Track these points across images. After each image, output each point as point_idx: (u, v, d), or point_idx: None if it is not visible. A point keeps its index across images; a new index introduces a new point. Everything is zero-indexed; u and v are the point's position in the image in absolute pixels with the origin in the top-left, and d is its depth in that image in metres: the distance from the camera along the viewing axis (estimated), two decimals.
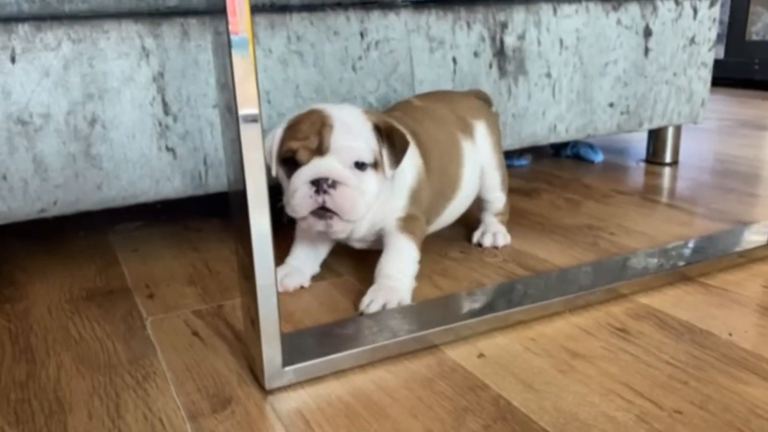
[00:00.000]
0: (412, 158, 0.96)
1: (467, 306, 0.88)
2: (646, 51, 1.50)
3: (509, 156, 1.74)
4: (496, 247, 1.14)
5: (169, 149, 1.07)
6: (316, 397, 0.70)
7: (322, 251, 1.05)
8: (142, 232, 1.29)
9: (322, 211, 0.85)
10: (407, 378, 0.73)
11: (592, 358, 0.76)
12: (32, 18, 0.95)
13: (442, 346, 0.80)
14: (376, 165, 0.88)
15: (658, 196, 1.45)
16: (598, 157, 1.81)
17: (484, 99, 1.22)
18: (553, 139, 1.45)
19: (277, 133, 0.90)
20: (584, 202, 1.41)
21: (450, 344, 0.80)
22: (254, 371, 0.74)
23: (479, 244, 1.15)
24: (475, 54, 1.30)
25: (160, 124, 1.06)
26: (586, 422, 0.64)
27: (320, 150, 0.85)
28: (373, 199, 0.89)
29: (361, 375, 0.74)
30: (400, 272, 0.93)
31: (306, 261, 1.03)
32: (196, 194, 1.11)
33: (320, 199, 0.84)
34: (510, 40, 1.33)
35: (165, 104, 1.06)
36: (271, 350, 0.70)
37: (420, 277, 1.00)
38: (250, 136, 0.65)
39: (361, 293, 0.93)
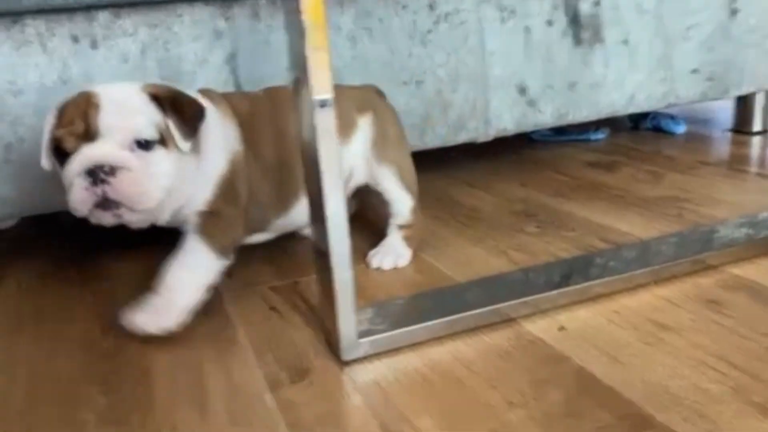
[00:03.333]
0: (225, 141, 0.84)
1: (545, 279, 0.85)
2: (733, 12, 1.41)
3: (585, 129, 1.68)
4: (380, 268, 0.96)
5: None
6: (392, 369, 0.69)
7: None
8: None
9: (107, 203, 0.73)
10: (485, 350, 0.72)
11: (681, 330, 0.73)
12: (111, 5, 0.98)
13: (520, 320, 0.77)
14: (164, 141, 0.75)
15: (747, 167, 1.36)
16: (680, 129, 1.72)
17: (376, 92, 1.05)
18: (632, 109, 1.39)
19: (47, 120, 0.77)
20: (667, 174, 1.34)
21: (528, 317, 0.78)
22: (330, 343, 0.74)
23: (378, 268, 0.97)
24: (549, 22, 1.26)
25: None
26: (676, 395, 0.61)
27: (88, 134, 0.73)
28: (170, 180, 0.76)
29: (438, 347, 0.73)
30: (182, 283, 0.80)
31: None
32: None
33: (99, 190, 0.72)
34: (585, 7, 1.28)
35: (238, 86, 1.07)
36: (347, 323, 0.70)
37: (495, 252, 0.98)
38: (323, 119, 0.65)
39: (431, 267, 0.92)
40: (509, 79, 1.27)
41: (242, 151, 0.85)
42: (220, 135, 0.83)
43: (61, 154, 0.75)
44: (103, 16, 0.98)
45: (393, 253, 0.97)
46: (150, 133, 0.74)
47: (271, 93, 0.94)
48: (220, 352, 0.75)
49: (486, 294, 0.81)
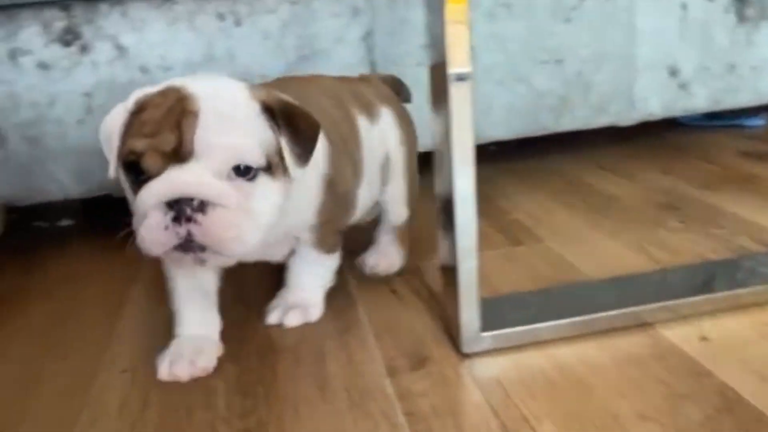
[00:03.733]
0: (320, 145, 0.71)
1: (688, 282, 0.79)
2: None
3: (739, 114, 1.53)
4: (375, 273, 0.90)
5: None
6: (515, 367, 0.67)
7: (211, 286, 0.76)
8: None
9: (190, 245, 0.59)
10: (616, 356, 0.67)
11: None
12: None
13: (657, 325, 0.72)
14: (270, 168, 0.62)
15: None
16: None
17: (397, 87, 0.96)
18: None
19: (116, 119, 0.63)
20: None
21: (666, 323, 0.72)
22: (451, 333, 0.72)
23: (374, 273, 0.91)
24: None
25: None
26: None
27: (179, 153, 0.58)
28: (272, 218, 0.63)
29: (564, 348, 0.69)
30: (311, 285, 0.80)
31: (201, 319, 0.74)
32: None
33: (182, 231, 0.57)
34: None
35: (372, 63, 1.07)
36: (469, 314, 0.68)
37: (633, 247, 0.92)
38: (459, 94, 0.63)
39: (561, 260, 0.88)
40: (660, 60, 1.18)
41: (328, 144, 0.73)
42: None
43: (135, 170, 0.60)
44: None
45: (387, 259, 0.91)
46: (256, 158, 0.60)
47: (316, 78, 0.87)
48: (341, 332, 0.76)
49: (621, 295, 0.76)
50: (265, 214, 0.62)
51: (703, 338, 0.69)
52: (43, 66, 0.97)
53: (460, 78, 0.63)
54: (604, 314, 0.72)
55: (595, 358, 0.67)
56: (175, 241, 0.58)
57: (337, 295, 0.85)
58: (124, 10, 0.98)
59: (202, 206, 0.57)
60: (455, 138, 0.64)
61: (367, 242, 0.94)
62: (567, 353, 0.68)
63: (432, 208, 0.74)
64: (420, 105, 1.09)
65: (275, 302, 0.80)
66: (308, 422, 0.60)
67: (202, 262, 0.61)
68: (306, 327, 0.78)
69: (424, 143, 0.88)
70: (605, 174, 1.27)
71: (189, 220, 0.57)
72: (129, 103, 0.62)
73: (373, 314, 0.80)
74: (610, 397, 0.61)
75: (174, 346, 0.71)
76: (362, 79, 0.92)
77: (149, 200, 0.57)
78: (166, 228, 0.57)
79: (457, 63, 0.62)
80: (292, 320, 0.77)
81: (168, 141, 0.58)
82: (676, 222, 1.01)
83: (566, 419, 0.58)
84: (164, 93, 0.61)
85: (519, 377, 0.65)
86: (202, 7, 0.99)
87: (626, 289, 0.78)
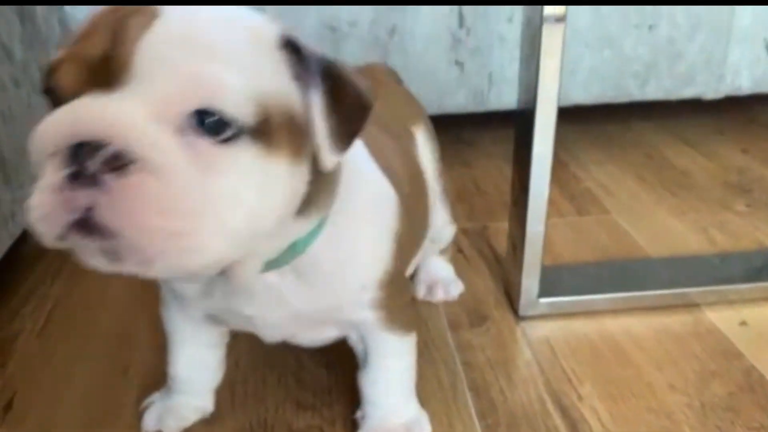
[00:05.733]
0: (387, 185, 0.58)
1: (741, 269, 0.92)
2: None
3: None
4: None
5: (458, 63, 1.22)
6: (565, 331, 0.83)
7: (209, 339, 0.68)
8: None
9: (91, 223, 0.37)
10: (659, 331, 0.82)
11: None
12: None
13: (702, 306, 0.86)
14: (266, 133, 0.41)
15: None
16: None
17: (395, 78, 0.88)
18: None
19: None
20: None
21: (712, 305, 0.87)
22: (510, 296, 0.89)
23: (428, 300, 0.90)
24: None
25: (453, 37, 1.20)
26: None
27: (107, 70, 0.38)
28: (257, 220, 0.42)
29: (613, 319, 0.85)
30: (400, 396, 0.66)
31: (197, 364, 0.68)
32: (476, 111, 1.25)
33: (80, 198, 0.37)
34: None
35: (461, 16, 1.19)
36: (530, 280, 0.84)
37: (696, 228, 1.05)
38: (551, 37, 0.71)
39: (625, 235, 1.01)
40: (758, 32, 1.26)
41: (395, 197, 0.59)
42: (382, 176, 0.58)
43: (53, 99, 0.40)
44: None
45: (443, 282, 0.90)
46: (238, 106, 0.39)
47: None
48: None
49: (676, 275, 0.90)
50: (241, 209, 0.41)
51: (743, 323, 0.83)
52: None
53: (556, 19, 0.70)
54: (655, 292, 0.86)
55: (639, 332, 0.82)
56: (66, 216, 0.37)
57: None
58: None
59: (118, 161, 0.36)
60: (542, 83, 0.73)
61: None
62: (614, 324, 0.84)
63: (508, 169, 0.85)
64: (504, 62, 1.22)
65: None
66: None
67: (115, 261, 0.39)
68: None
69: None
70: (683, 148, 1.38)
71: (93, 181, 0.36)
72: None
73: None
74: (646, 367, 0.77)
75: (157, 396, 0.72)
76: (391, 86, 0.82)
77: (40, 144, 0.38)
78: (58, 191, 0.37)
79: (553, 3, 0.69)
80: None
81: (93, 46, 0.39)
82: (743, 206, 1.13)
83: (605, 383, 0.74)
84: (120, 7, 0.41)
85: (567, 342, 0.81)
86: None
87: (680, 270, 0.92)
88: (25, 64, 0.98)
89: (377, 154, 0.59)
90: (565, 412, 0.71)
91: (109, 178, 0.36)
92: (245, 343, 0.79)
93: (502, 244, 1.01)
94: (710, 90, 1.30)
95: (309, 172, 0.45)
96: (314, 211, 0.49)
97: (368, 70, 0.83)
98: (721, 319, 0.84)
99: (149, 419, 0.70)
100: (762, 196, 1.16)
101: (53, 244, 0.39)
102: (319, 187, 0.48)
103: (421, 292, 0.90)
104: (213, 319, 0.61)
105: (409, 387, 0.67)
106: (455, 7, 1.18)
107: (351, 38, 1.18)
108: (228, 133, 0.39)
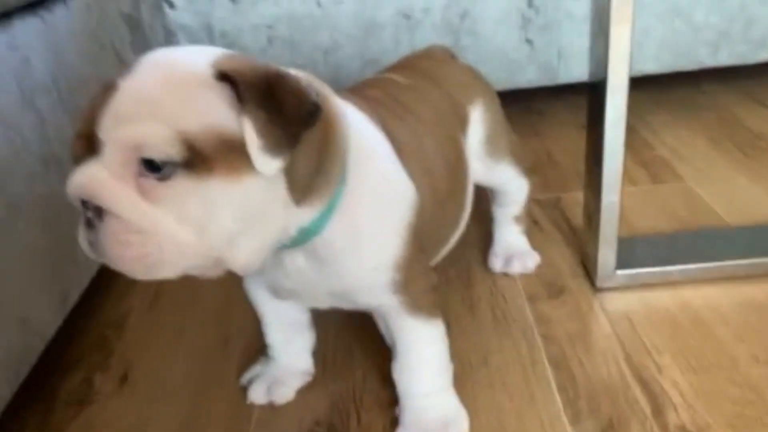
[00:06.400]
0: (403, 179, 0.58)
1: None
2: None
3: None
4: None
5: (527, 41, 1.14)
6: (643, 304, 0.76)
7: (300, 314, 0.69)
8: None
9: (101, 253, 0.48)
10: (740, 301, 0.74)
11: None
12: None
13: None
14: (203, 162, 0.45)
15: None
16: None
17: (451, 56, 0.82)
18: None
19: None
20: None
21: None
22: (587, 267, 0.82)
23: (504, 273, 0.84)
24: None
25: (523, 17, 1.12)
26: None
27: (92, 143, 0.46)
28: (209, 236, 0.47)
29: (692, 290, 0.77)
30: (433, 385, 0.62)
31: (289, 328, 0.69)
32: (547, 85, 1.17)
33: (90, 236, 0.47)
34: None
35: None
36: (606, 252, 0.77)
37: None
38: (620, 6, 0.65)
39: (701, 202, 0.93)
40: None
41: (415, 192, 0.59)
42: (398, 168, 0.58)
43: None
44: None
45: (519, 254, 0.84)
46: (164, 149, 0.44)
47: (417, 85, 0.71)
48: (486, 259, 0.87)
49: (755, 244, 0.81)
50: (187, 227, 0.46)
51: None
52: (233, 0, 1.11)
53: None
54: (734, 262, 0.78)
55: (719, 302, 0.75)
56: (86, 247, 0.48)
57: (479, 223, 0.95)
58: None
59: (99, 212, 0.46)
60: (613, 47, 0.67)
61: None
62: (693, 295, 0.76)
63: (580, 137, 0.79)
64: (573, 37, 1.13)
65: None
66: (459, 337, 0.73)
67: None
68: (453, 251, 0.75)
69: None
70: (758, 109, 1.25)
71: (90, 224, 0.47)
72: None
73: None
74: (728, 339, 0.69)
75: (259, 368, 0.71)
76: (448, 64, 0.79)
77: (68, 197, 0.48)
78: (83, 228, 0.48)
79: None
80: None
81: (85, 124, 0.47)
82: None
83: (685, 355, 0.67)
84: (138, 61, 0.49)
85: (646, 314, 0.74)
86: None
87: (760, 239, 0.82)
88: None
89: (409, 150, 0.60)
90: (645, 385, 0.64)
91: (97, 223, 0.46)
92: (331, 317, 0.76)
93: (577, 215, 0.94)
94: None
95: (294, 170, 0.49)
96: (316, 199, 0.52)
97: (429, 52, 0.80)
98: None
99: (258, 391, 0.69)
100: None
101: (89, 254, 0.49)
102: (317, 179, 0.51)
103: (497, 265, 0.85)
104: (273, 290, 0.62)
105: (442, 377, 0.62)
106: None
107: (424, 24, 1.12)
108: (165, 171, 0.45)
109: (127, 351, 0.78)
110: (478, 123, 0.74)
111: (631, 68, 1.16)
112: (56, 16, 0.78)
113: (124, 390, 0.72)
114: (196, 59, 0.48)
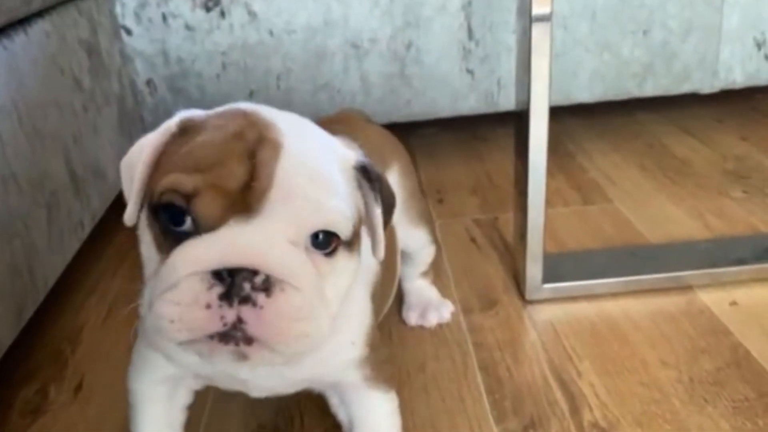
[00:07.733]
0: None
1: (734, 254, 0.90)
2: None
3: None
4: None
5: (468, 71, 1.22)
6: (567, 314, 0.83)
7: (181, 400, 0.59)
8: (437, 138, 1.48)
9: (234, 333, 0.40)
10: (655, 312, 0.82)
11: None
12: None
13: (696, 289, 0.85)
14: (351, 243, 0.46)
15: None
16: None
17: (366, 119, 0.84)
18: None
19: (151, 142, 0.45)
20: None
21: (705, 288, 0.85)
22: (517, 282, 0.89)
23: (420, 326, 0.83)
24: None
25: (464, 48, 1.20)
26: None
27: (247, 199, 0.40)
28: (338, 309, 0.46)
29: (612, 302, 0.84)
30: None
31: (164, 426, 0.59)
32: (487, 112, 1.25)
33: (231, 315, 0.39)
34: None
35: (470, 30, 1.19)
36: (533, 267, 0.84)
37: (693, 213, 1.04)
38: (539, 34, 0.72)
39: (626, 222, 1.00)
40: (747, 32, 1.24)
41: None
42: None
43: (173, 217, 0.42)
44: None
45: (434, 306, 0.84)
46: (346, 227, 0.44)
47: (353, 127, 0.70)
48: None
49: (671, 260, 0.89)
50: (335, 304, 0.45)
51: (733, 303, 0.82)
52: (189, 28, 1.16)
53: (541, 19, 0.71)
54: (651, 276, 0.86)
55: (636, 313, 0.82)
56: (216, 328, 0.40)
57: None
58: None
59: (267, 284, 0.40)
60: (534, 77, 0.73)
61: None
62: (613, 307, 0.83)
63: (512, 161, 0.85)
64: (512, 67, 1.21)
65: None
66: (400, 346, 0.79)
67: (243, 357, 0.42)
68: None
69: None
70: (684, 137, 1.35)
71: (245, 300, 0.39)
72: (172, 123, 0.46)
73: (453, 260, 0.97)
74: (641, 346, 0.76)
75: None
76: (344, 121, 0.76)
77: (187, 266, 0.40)
78: (208, 307, 0.39)
79: (539, 3, 0.70)
80: None
81: (235, 175, 0.40)
82: (739, 192, 1.11)
83: (602, 360, 0.74)
84: (226, 115, 0.45)
85: (569, 323, 0.81)
86: None
87: (676, 255, 0.91)
88: (92, 92, 1.01)
89: None
90: (565, 387, 0.71)
91: (261, 299, 0.40)
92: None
93: (511, 234, 1.01)
94: (706, 86, 1.28)
95: None
96: None
97: (342, 116, 0.82)
98: (713, 299, 0.83)
99: None
100: (759, 183, 1.13)
101: (176, 344, 0.42)
102: None
103: (412, 319, 0.83)
104: (198, 379, 0.56)
105: None
106: (464, 22, 1.18)
107: (372, 53, 1.18)
108: (332, 246, 0.43)
109: (81, 363, 0.82)
110: (396, 188, 0.65)
111: (565, 97, 1.25)
112: (16, 43, 0.82)
113: (78, 400, 0.76)
114: (324, 135, 0.48)
